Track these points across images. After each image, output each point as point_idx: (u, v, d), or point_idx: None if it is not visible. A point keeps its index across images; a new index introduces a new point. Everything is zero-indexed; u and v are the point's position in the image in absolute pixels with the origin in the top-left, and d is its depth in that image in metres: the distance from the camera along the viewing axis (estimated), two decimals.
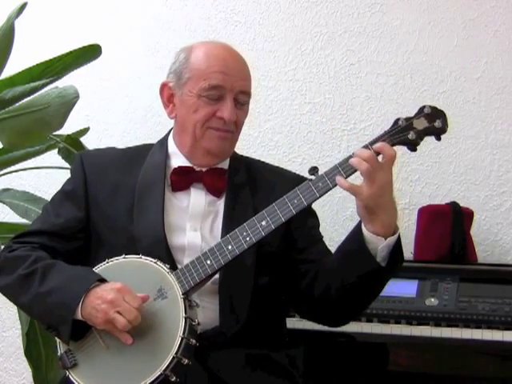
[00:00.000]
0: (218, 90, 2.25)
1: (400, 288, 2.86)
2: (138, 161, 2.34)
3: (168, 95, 2.33)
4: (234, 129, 2.29)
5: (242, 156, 2.43)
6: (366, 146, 2.10)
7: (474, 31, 3.29)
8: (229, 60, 2.29)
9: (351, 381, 2.93)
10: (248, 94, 2.32)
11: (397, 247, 2.13)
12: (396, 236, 2.13)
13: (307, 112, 3.42)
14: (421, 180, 3.32)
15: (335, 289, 2.19)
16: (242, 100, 2.29)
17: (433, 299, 2.79)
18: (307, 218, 2.34)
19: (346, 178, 2.10)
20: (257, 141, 3.45)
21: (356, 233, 2.14)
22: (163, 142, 2.38)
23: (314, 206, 2.26)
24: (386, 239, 2.11)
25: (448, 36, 3.31)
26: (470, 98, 3.29)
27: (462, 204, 3.14)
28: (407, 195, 3.32)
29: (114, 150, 2.49)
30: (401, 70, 3.33)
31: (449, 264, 2.97)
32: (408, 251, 3.20)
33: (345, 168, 2.11)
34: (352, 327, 2.77)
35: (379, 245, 2.11)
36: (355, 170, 2.10)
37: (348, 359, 2.87)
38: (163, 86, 2.34)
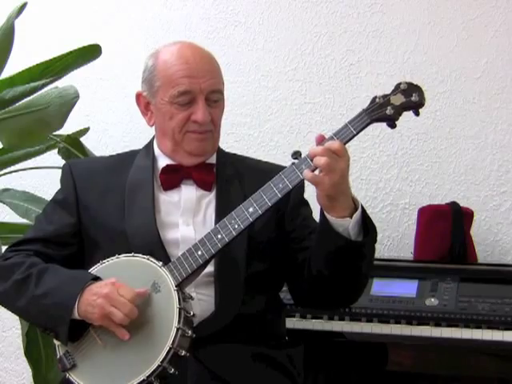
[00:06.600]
0: (187, 95, 2.28)
1: (400, 288, 2.86)
2: (126, 165, 2.39)
3: (144, 104, 2.38)
4: (211, 128, 2.32)
5: (227, 152, 2.46)
6: (331, 137, 2.14)
7: (473, 31, 3.29)
8: (193, 61, 2.29)
9: (351, 381, 2.93)
10: (218, 91, 2.33)
11: (364, 219, 2.16)
12: (359, 210, 2.15)
13: (307, 112, 3.42)
14: (421, 180, 3.32)
15: (324, 272, 2.20)
16: (213, 98, 2.32)
17: (433, 299, 2.79)
18: (300, 208, 2.38)
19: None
20: (257, 141, 3.45)
21: (322, 222, 2.16)
22: (149, 146, 2.42)
23: (313, 202, 2.28)
24: (351, 217, 2.14)
25: (448, 36, 3.31)
26: (470, 98, 3.29)
27: (462, 204, 3.14)
28: (407, 195, 3.33)
29: (100, 157, 2.59)
30: (401, 70, 3.33)
31: (449, 264, 2.97)
32: (408, 251, 3.21)
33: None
34: (352, 327, 2.77)
35: (348, 225, 2.13)
36: None
37: (348, 359, 2.87)
38: (138, 96, 2.39)
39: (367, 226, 2.17)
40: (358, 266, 2.20)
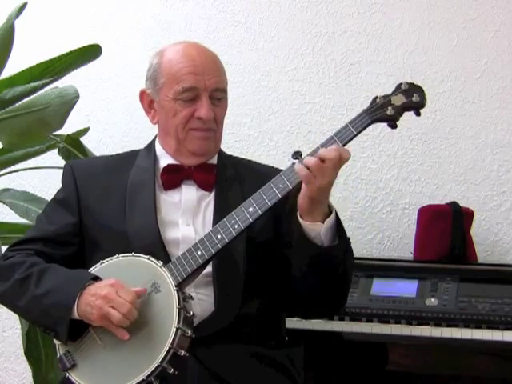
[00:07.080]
0: (191, 92, 2.29)
1: (400, 288, 2.86)
2: (127, 165, 2.39)
3: (148, 102, 2.38)
4: (214, 126, 2.33)
5: (228, 154, 2.47)
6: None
7: (473, 31, 3.29)
8: (198, 59, 2.31)
9: (351, 381, 2.93)
10: (222, 89, 2.34)
11: (338, 224, 2.17)
12: (333, 215, 2.16)
13: (307, 112, 3.42)
14: (421, 180, 3.32)
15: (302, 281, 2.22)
16: (217, 96, 2.32)
17: (433, 299, 2.79)
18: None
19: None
20: (257, 141, 3.45)
21: (296, 228, 2.17)
22: (150, 146, 2.43)
23: None
24: (324, 222, 2.15)
25: (448, 36, 3.31)
26: (470, 98, 3.29)
27: (462, 204, 3.14)
28: (407, 195, 3.33)
29: (101, 157, 2.62)
30: (401, 70, 3.33)
31: (449, 264, 2.97)
32: (408, 251, 3.21)
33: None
34: (352, 327, 2.77)
35: (320, 230, 2.14)
36: None
37: (348, 359, 2.87)
38: (142, 94, 2.40)
39: (340, 232, 2.17)
40: (332, 270, 2.19)
